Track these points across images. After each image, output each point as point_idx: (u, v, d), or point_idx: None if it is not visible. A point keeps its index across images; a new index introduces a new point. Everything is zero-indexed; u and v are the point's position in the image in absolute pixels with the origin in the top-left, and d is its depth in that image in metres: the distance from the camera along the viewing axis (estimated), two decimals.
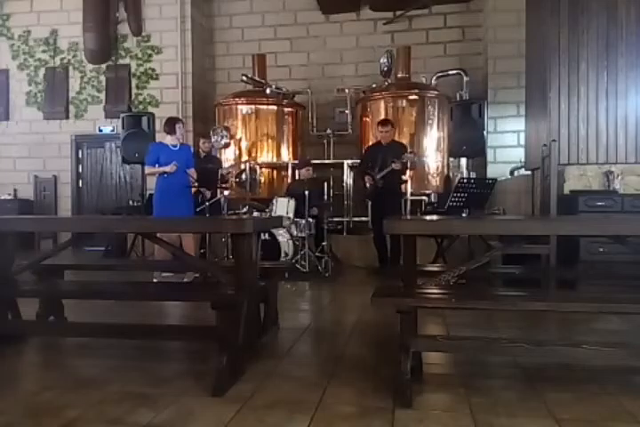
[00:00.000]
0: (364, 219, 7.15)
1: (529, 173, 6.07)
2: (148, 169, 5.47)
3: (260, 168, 7.73)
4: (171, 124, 5.36)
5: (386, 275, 5.69)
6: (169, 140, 5.38)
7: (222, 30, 9.49)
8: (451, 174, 7.85)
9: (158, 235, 3.25)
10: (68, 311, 3.39)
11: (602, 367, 2.66)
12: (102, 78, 9.08)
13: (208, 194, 5.83)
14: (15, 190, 9.22)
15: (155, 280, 4.94)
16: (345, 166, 7.52)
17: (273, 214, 6.05)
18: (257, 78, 8.05)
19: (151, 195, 7.51)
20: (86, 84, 9.13)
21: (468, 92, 7.94)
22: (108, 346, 3.09)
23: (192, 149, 5.78)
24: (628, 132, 5.10)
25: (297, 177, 7.42)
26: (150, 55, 8.96)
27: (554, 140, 5.06)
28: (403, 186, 6.44)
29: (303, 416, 2.09)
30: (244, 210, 6.30)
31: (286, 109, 8.12)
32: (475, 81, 8.11)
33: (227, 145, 7.82)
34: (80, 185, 9.30)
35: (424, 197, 7.43)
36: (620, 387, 2.43)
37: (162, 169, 5.22)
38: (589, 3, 5.13)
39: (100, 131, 9.08)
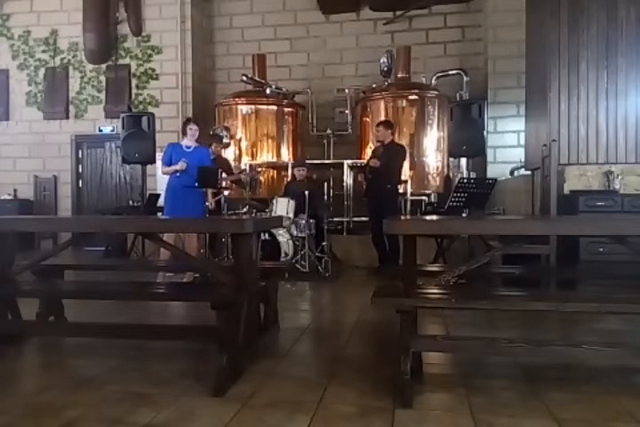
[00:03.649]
0: (363, 219, 7.15)
1: (529, 173, 6.07)
2: (162, 168, 5.60)
3: (261, 168, 7.74)
4: (183, 126, 5.58)
5: (386, 275, 5.68)
6: (185, 141, 5.53)
7: (222, 30, 9.49)
8: (451, 174, 7.84)
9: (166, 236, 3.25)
10: (67, 311, 3.39)
11: (602, 367, 2.66)
12: (102, 78, 9.10)
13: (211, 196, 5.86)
14: (15, 190, 9.22)
15: (158, 280, 4.94)
16: (345, 166, 7.50)
17: (273, 214, 6.05)
18: (257, 78, 8.05)
19: (151, 195, 7.55)
20: (86, 84, 9.14)
21: (468, 92, 7.94)
22: (108, 346, 3.09)
23: (209, 152, 5.78)
24: (628, 132, 5.11)
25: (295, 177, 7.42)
26: (150, 55, 8.97)
27: (554, 140, 5.06)
28: (401, 186, 6.43)
29: (303, 416, 2.09)
30: (244, 210, 6.30)
31: (286, 109, 8.12)
32: (475, 81, 8.12)
33: (227, 145, 7.82)
34: (80, 185, 9.31)
35: (424, 197, 7.43)
36: (620, 387, 2.43)
37: (173, 168, 5.34)
38: (589, 3, 5.14)
39: (100, 131, 9.08)
